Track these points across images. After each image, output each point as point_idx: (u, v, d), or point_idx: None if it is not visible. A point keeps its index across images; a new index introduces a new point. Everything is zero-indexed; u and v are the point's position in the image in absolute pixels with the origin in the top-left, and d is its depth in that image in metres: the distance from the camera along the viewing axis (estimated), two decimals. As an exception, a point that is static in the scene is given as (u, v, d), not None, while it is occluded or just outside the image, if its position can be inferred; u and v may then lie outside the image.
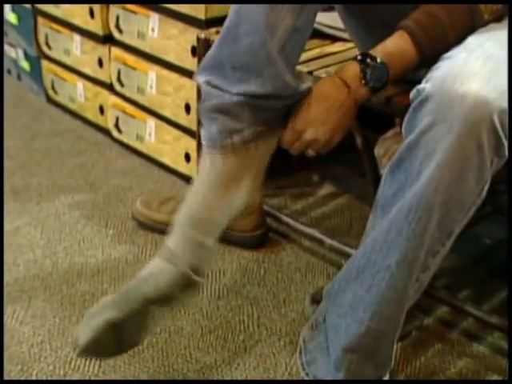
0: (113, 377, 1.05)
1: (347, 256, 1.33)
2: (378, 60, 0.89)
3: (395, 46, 0.90)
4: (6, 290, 1.23)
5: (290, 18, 0.86)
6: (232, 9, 0.90)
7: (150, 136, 1.69)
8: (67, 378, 1.04)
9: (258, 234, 1.39)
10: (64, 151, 1.76)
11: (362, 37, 1.09)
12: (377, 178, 1.25)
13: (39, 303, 1.20)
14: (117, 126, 1.78)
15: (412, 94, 0.83)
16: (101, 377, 1.05)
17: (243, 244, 1.38)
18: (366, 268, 0.87)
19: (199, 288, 1.00)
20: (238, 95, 0.88)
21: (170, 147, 1.64)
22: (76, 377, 1.05)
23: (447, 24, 0.88)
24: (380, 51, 0.90)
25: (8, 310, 1.18)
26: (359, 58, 0.90)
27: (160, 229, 1.43)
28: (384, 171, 0.87)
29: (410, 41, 0.89)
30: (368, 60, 0.89)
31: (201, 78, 0.93)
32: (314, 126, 0.91)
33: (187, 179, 1.62)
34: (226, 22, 0.90)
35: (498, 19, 0.90)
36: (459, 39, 0.86)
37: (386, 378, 0.96)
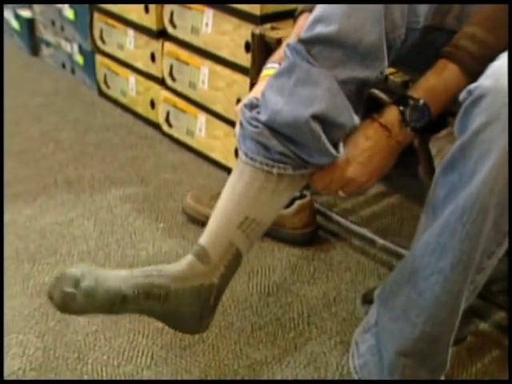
0: (164, 369, 1.06)
1: (398, 256, 1.31)
2: (418, 100, 0.87)
3: (438, 78, 0.87)
4: (60, 279, 1.26)
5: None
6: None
7: (201, 131, 1.70)
8: (121, 369, 1.06)
9: (308, 232, 1.38)
10: (115, 145, 1.79)
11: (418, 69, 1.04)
12: (432, 178, 1.23)
13: (93, 294, 1.22)
14: (167, 120, 1.80)
15: (462, 94, 0.81)
16: (153, 368, 1.06)
17: (293, 241, 1.38)
18: (418, 271, 0.85)
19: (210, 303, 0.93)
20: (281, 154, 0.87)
21: (220, 142, 1.65)
22: (129, 368, 1.06)
23: (495, 41, 0.85)
24: (421, 88, 0.88)
25: (63, 299, 1.20)
26: (398, 100, 0.88)
27: (210, 224, 1.44)
28: (436, 171, 0.85)
29: (456, 67, 0.86)
30: (407, 102, 0.87)
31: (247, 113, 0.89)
32: (355, 164, 0.89)
33: (237, 175, 1.63)
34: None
35: None
36: (503, 42, 0.84)
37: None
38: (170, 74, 1.73)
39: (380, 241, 1.30)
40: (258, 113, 0.87)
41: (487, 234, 0.80)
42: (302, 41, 0.84)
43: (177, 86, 1.73)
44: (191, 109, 1.70)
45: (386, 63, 0.86)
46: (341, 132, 0.87)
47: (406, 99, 0.88)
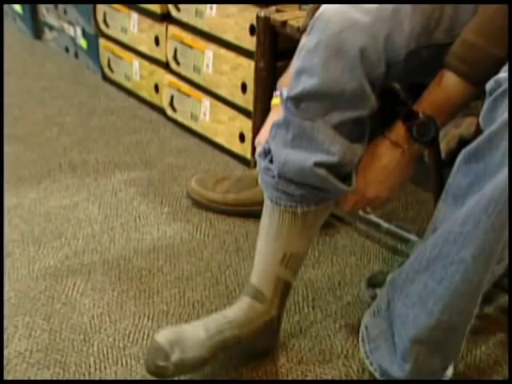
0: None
1: (403, 240, 1.31)
2: (424, 115, 0.88)
3: (439, 89, 0.87)
4: (66, 263, 1.26)
5: None
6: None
7: (205, 115, 1.69)
8: (126, 351, 1.06)
9: (312, 216, 1.38)
10: (119, 129, 1.79)
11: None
12: (438, 163, 1.23)
13: (98, 277, 1.23)
14: (171, 104, 1.79)
15: (490, 84, 0.80)
16: (158, 351, 1.07)
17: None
18: (437, 260, 0.84)
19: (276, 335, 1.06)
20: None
21: (224, 127, 1.65)
22: (134, 350, 1.07)
23: (484, 43, 0.84)
24: (425, 102, 0.89)
25: (69, 282, 1.21)
26: (404, 116, 0.89)
27: (215, 208, 1.44)
28: (458, 159, 0.84)
29: (453, 75, 0.86)
30: (413, 117, 0.89)
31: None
32: (374, 184, 0.92)
33: (241, 159, 1.63)
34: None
35: None
36: (504, 47, 0.83)
37: (451, 368, 0.94)
38: (175, 57, 1.72)
39: (385, 225, 1.30)
40: (271, 161, 0.92)
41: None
42: (289, 98, 0.88)
43: (181, 69, 1.72)
44: (195, 93, 1.70)
45: (374, 99, 0.88)
46: (347, 168, 0.91)
47: (412, 114, 0.89)
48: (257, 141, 1.04)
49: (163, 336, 0.94)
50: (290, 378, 1.03)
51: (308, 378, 1.03)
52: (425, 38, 0.89)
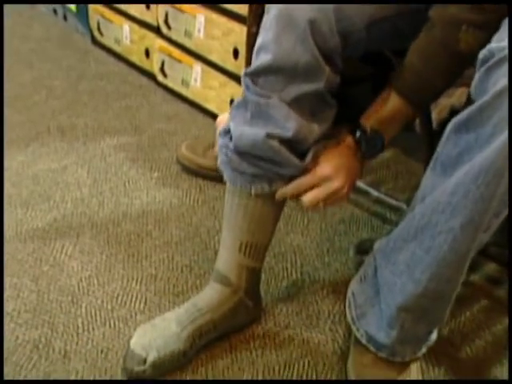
0: (157, 314, 1.06)
1: (392, 209, 1.32)
2: (369, 130, 0.90)
3: (386, 107, 0.90)
4: (54, 225, 1.26)
5: None
6: None
7: (196, 81, 1.67)
8: (114, 313, 1.07)
9: (302, 184, 1.38)
10: (109, 93, 1.77)
11: None
12: (429, 134, 1.22)
13: (87, 240, 1.23)
14: (162, 70, 1.77)
15: (482, 53, 0.79)
16: (146, 313, 1.07)
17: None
18: (425, 229, 0.85)
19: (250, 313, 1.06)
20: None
21: (215, 93, 1.63)
22: (122, 312, 1.07)
23: (429, 73, 0.87)
24: (372, 118, 0.90)
25: (57, 244, 1.21)
26: (353, 130, 0.91)
27: (204, 174, 1.43)
28: (447, 128, 0.84)
29: (398, 98, 0.89)
30: (361, 132, 0.90)
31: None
32: (342, 174, 0.91)
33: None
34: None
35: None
36: (447, 81, 0.88)
37: (435, 332, 0.96)
38: (166, 21, 1.69)
39: (374, 193, 1.30)
40: (230, 139, 0.93)
41: (500, 196, 0.79)
42: (247, 74, 0.88)
43: (172, 34, 1.69)
44: (187, 58, 1.68)
45: (330, 71, 0.87)
46: (302, 146, 0.90)
47: (361, 129, 0.91)
48: (217, 121, 1.04)
49: (135, 343, 0.96)
50: (276, 342, 1.04)
51: (295, 342, 1.04)
52: (388, 7, 0.89)
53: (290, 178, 0.93)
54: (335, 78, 0.88)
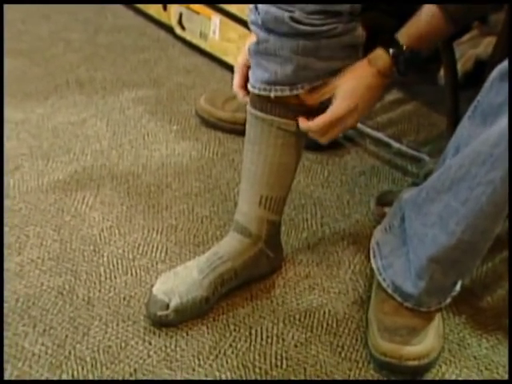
0: (178, 263, 1.07)
1: (414, 161, 1.31)
2: (406, 48, 0.87)
3: (423, 25, 0.87)
4: (74, 177, 1.26)
5: None
6: None
7: (215, 33, 1.65)
8: (136, 262, 1.08)
9: (322, 136, 1.36)
10: (127, 47, 1.75)
11: None
12: (454, 86, 1.20)
13: (107, 191, 1.23)
14: (180, 22, 1.74)
15: None
16: (167, 263, 1.08)
17: (306, 145, 1.35)
18: (462, 180, 0.82)
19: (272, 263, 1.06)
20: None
21: (234, 45, 1.60)
22: (144, 261, 1.08)
23: None
24: (412, 36, 0.87)
25: (78, 195, 1.21)
26: (391, 51, 0.88)
27: (223, 126, 1.42)
28: (492, 75, 0.81)
29: (442, 15, 0.84)
30: (399, 50, 0.87)
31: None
32: (350, 102, 0.89)
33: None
34: None
35: None
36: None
37: (459, 283, 0.95)
38: (183, -28, 1.66)
39: (396, 145, 1.29)
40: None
41: None
42: None
43: (190, -15, 1.66)
44: (205, 10, 1.65)
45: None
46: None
47: (398, 47, 0.88)
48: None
49: (158, 289, 0.97)
50: (297, 291, 1.05)
51: (315, 291, 1.05)
52: None
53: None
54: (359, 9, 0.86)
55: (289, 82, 0.90)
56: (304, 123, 0.93)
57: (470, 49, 1.45)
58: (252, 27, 0.90)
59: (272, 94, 0.91)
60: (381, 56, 0.89)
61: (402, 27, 0.89)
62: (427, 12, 0.86)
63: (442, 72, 1.26)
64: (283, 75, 0.89)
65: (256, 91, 0.93)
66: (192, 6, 1.67)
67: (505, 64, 0.78)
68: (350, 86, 0.89)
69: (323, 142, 0.95)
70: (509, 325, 0.99)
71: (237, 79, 1.02)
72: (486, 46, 1.42)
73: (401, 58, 0.88)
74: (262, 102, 0.94)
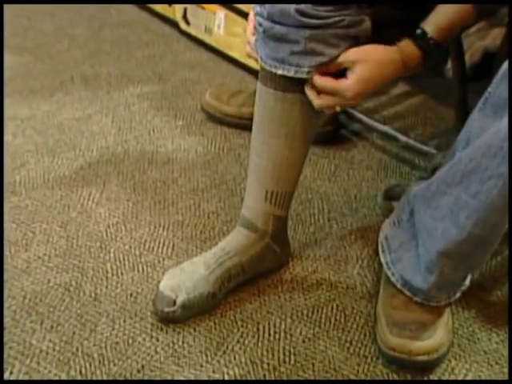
0: (185, 259, 1.07)
1: (421, 154, 1.29)
2: (433, 41, 0.86)
3: (453, 12, 0.86)
4: (80, 173, 1.26)
5: None
6: None
7: (220, 28, 1.64)
8: (142, 259, 1.07)
9: (328, 130, 1.35)
10: (132, 42, 1.74)
11: None
12: (462, 78, 1.18)
13: (113, 187, 1.23)
14: (185, 17, 1.73)
15: None
16: (174, 259, 1.08)
17: (314, 139, 1.35)
18: (473, 173, 0.81)
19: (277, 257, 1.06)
20: None
21: (240, 40, 1.59)
22: (150, 257, 1.08)
23: None
24: (440, 29, 0.86)
25: (84, 192, 1.21)
26: (420, 43, 0.86)
27: (229, 121, 1.42)
28: (503, 66, 0.80)
29: (471, 5, 0.84)
30: (427, 41, 0.86)
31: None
32: (364, 83, 0.87)
33: (256, 74, 1.58)
34: None
35: None
36: None
37: (469, 277, 0.94)
38: (188, -34, 1.65)
39: (403, 138, 1.28)
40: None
41: None
42: None
43: (194, -21, 1.65)
44: (209, 4, 1.64)
45: None
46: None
47: (426, 38, 0.86)
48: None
49: (165, 285, 0.97)
50: (304, 287, 1.04)
51: (323, 287, 1.04)
52: None
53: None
54: None
55: (296, 64, 0.88)
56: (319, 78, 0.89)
57: (477, 40, 1.43)
58: (258, 18, 0.89)
59: (279, 72, 0.90)
60: (408, 45, 0.87)
61: (427, 18, 0.87)
62: (456, 4, 0.85)
63: (449, 64, 1.25)
64: (290, 57, 0.88)
65: (267, 67, 0.92)
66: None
67: None
68: (367, 70, 0.87)
69: (318, 105, 0.91)
70: (509, 325, 0.98)
71: (250, 27, 0.98)
72: (493, 37, 1.40)
73: (430, 50, 0.86)
74: (272, 79, 0.93)
